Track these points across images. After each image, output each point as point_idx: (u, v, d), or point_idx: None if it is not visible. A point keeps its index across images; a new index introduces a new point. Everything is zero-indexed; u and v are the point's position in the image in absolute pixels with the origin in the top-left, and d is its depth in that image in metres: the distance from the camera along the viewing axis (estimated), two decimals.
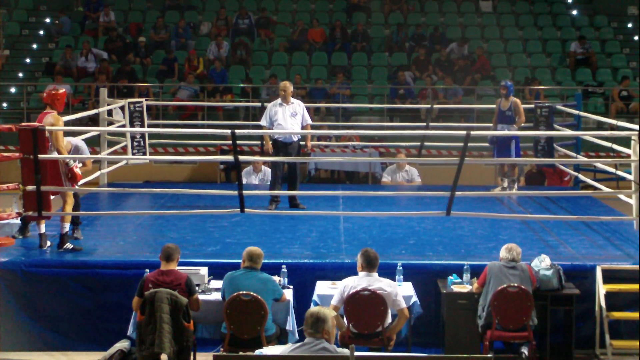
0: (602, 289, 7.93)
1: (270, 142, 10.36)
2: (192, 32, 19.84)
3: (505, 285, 7.31)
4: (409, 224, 9.88)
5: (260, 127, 10.60)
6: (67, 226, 8.52)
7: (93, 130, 11.46)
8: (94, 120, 14.58)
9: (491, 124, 12.03)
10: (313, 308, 5.50)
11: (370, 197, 11.08)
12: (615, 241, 9.14)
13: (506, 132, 10.92)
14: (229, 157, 9.38)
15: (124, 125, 11.65)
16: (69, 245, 8.50)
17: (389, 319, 7.16)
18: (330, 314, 5.46)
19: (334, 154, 14.81)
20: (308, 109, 10.71)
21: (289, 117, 10.28)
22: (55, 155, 8.32)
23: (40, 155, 8.11)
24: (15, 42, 19.93)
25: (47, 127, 8.22)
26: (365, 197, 10.93)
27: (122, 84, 17.48)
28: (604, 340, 7.90)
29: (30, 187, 8.16)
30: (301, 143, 10.53)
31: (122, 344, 7.63)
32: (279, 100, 10.44)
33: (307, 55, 19.35)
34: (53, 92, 8.54)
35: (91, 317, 8.09)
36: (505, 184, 11.59)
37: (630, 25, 20.56)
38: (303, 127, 10.38)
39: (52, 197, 8.56)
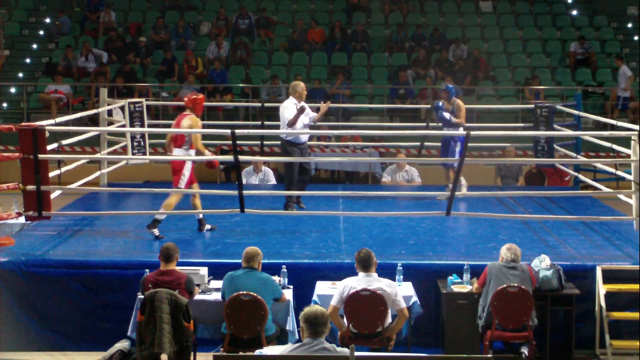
0: (602, 289, 7.94)
1: (283, 143, 10.24)
2: (192, 32, 19.85)
3: (505, 286, 7.31)
4: (409, 224, 9.88)
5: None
6: (163, 214, 9.03)
7: (93, 130, 11.47)
8: (94, 120, 14.58)
9: (490, 124, 12.02)
10: (310, 308, 5.47)
11: (370, 197, 11.08)
12: (615, 241, 9.14)
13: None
14: (229, 157, 9.39)
15: (124, 125, 11.65)
16: (155, 231, 9.02)
17: (389, 319, 7.16)
18: (327, 312, 5.49)
19: (334, 154, 14.80)
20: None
21: (304, 116, 10.23)
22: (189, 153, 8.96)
23: (40, 155, 8.12)
24: (15, 42, 19.93)
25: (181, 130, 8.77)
26: (365, 197, 10.93)
27: (122, 84, 17.48)
28: (604, 340, 7.90)
29: (30, 187, 8.16)
30: (309, 143, 10.53)
31: (122, 344, 7.64)
32: (294, 100, 10.23)
33: (307, 55, 19.35)
34: (194, 96, 9.22)
35: (91, 317, 8.09)
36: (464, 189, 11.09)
37: (630, 25, 20.56)
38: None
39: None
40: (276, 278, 7.52)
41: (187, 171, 9.03)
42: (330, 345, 5.36)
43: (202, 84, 17.92)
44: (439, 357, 6.93)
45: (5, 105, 18.06)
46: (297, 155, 10.06)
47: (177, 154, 9.12)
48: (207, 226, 9.43)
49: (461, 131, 10.33)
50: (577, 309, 7.79)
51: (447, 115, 10.76)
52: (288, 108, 10.07)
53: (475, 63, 18.76)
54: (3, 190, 8.13)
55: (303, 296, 7.62)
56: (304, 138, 10.23)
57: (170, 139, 9.17)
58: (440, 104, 10.78)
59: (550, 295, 7.67)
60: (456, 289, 7.71)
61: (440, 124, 11.25)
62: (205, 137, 13.85)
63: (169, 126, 14.16)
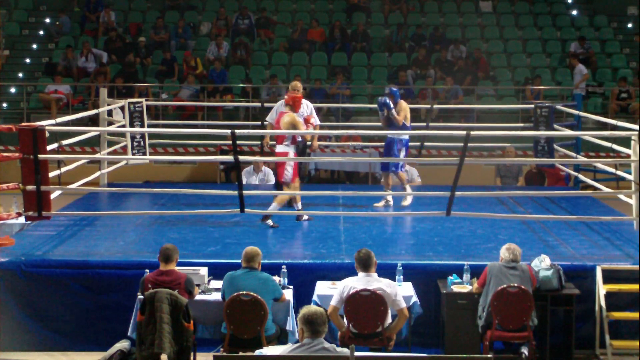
0: (602, 289, 7.93)
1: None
2: (192, 32, 19.85)
3: (505, 286, 7.31)
4: (409, 224, 9.88)
5: (265, 126, 10.83)
6: (277, 207, 9.57)
7: (93, 130, 11.46)
8: (94, 121, 14.58)
9: (490, 124, 12.00)
10: (308, 309, 5.47)
11: (370, 197, 11.07)
12: (615, 241, 9.13)
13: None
14: (229, 157, 9.39)
15: (124, 125, 11.65)
16: (269, 222, 9.56)
17: (389, 319, 7.16)
18: (325, 312, 5.49)
19: (334, 154, 14.80)
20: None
21: (298, 118, 10.26)
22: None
23: (40, 156, 8.12)
24: (15, 42, 19.93)
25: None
26: (365, 197, 10.92)
27: (122, 84, 17.48)
28: (604, 340, 7.90)
29: (30, 187, 8.16)
30: (307, 143, 10.56)
31: (122, 344, 7.63)
32: None
33: (307, 55, 19.35)
34: (293, 95, 9.84)
35: (91, 317, 8.09)
36: (390, 200, 10.69)
37: (630, 25, 20.56)
38: (312, 129, 10.42)
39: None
40: (276, 278, 7.52)
41: (289, 166, 9.58)
42: (330, 345, 5.36)
43: (202, 84, 17.93)
44: (439, 357, 6.93)
45: (5, 105, 18.06)
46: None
47: (279, 150, 9.67)
48: (305, 216, 9.83)
49: (405, 134, 10.23)
50: (577, 309, 7.78)
51: (392, 108, 10.28)
52: (274, 109, 10.60)
53: (475, 63, 18.76)
54: (3, 190, 8.13)
55: (303, 296, 7.61)
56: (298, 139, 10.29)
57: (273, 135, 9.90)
58: (388, 100, 10.51)
59: (550, 295, 7.67)
60: (456, 289, 7.70)
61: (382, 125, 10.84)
62: (205, 137, 14.03)
63: (169, 126, 14.28)
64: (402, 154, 10.42)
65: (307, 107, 10.48)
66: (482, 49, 19.27)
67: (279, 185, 10.44)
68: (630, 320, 7.99)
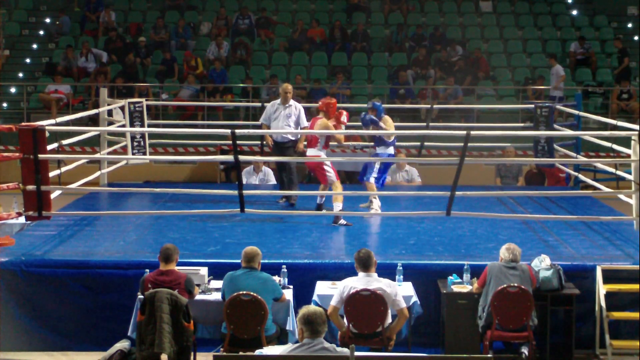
0: (602, 289, 7.94)
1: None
2: (192, 32, 19.85)
3: (505, 286, 7.31)
4: (409, 224, 9.88)
5: (260, 126, 10.94)
6: (339, 205, 9.58)
7: (93, 130, 11.47)
8: (94, 120, 14.59)
9: (490, 124, 12.00)
10: (307, 309, 5.47)
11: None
12: (615, 241, 9.13)
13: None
14: (229, 157, 9.39)
15: (124, 125, 11.65)
16: (342, 222, 9.57)
17: (389, 319, 7.16)
18: (324, 311, 5.50)
19: (334, 154, 14.78)
20: (308, 109, 10.79)
21: (283, 118, 10.56)
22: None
23: (40, 155, 8.12)
24: (15, 42, 19.93)
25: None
26: (365, 197, 10.92)
27: (122, 84, 17.48)
28: (604, 340, 7.90)
29: (30, 187, 8.16)
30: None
31: (122, 344, 7.63)
32: (278, 101, 10.80)
33: (307, 55, 19.34)
34: (327, 101, 9.98)
35: (91, 317, 8.09)
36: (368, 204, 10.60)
37: (630, 25, 20.56)
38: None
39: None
40: (276, 278, 7.52)
41: (327, 166, 9.75)
42: (330, 345, 5.36)
43: (202, 84, 17.93)
44: (439, 357, 6.93)
45: (5, 105, 18.06)
46: (275, 154, 10.61)
47: (310, 153, 9.81)
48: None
49: (388, 148, 10.18)
50: (577, 309, 7.78)
51: (378, 122, 10.11)
52: (266, 111, 10.81)
53: (475, 63, 18.75)
54: (3, 190, 8.13)
55: (303, 296, 7.61)
56: (282, 138, 10.58)
57: (306, 139, 10.12)
58: (372, 117, 10.38)
59: (550, 295, 7.67)
60: (456, 289, 7.71)
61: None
62: (205, 137, 14.03)
63: (169, 126, 14.28)
64: (377, 165, 10.25)
65: (295, 109, 10.67)
66: (482, 49, 19.27)
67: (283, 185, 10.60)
68: (630, 320, 7.99)
